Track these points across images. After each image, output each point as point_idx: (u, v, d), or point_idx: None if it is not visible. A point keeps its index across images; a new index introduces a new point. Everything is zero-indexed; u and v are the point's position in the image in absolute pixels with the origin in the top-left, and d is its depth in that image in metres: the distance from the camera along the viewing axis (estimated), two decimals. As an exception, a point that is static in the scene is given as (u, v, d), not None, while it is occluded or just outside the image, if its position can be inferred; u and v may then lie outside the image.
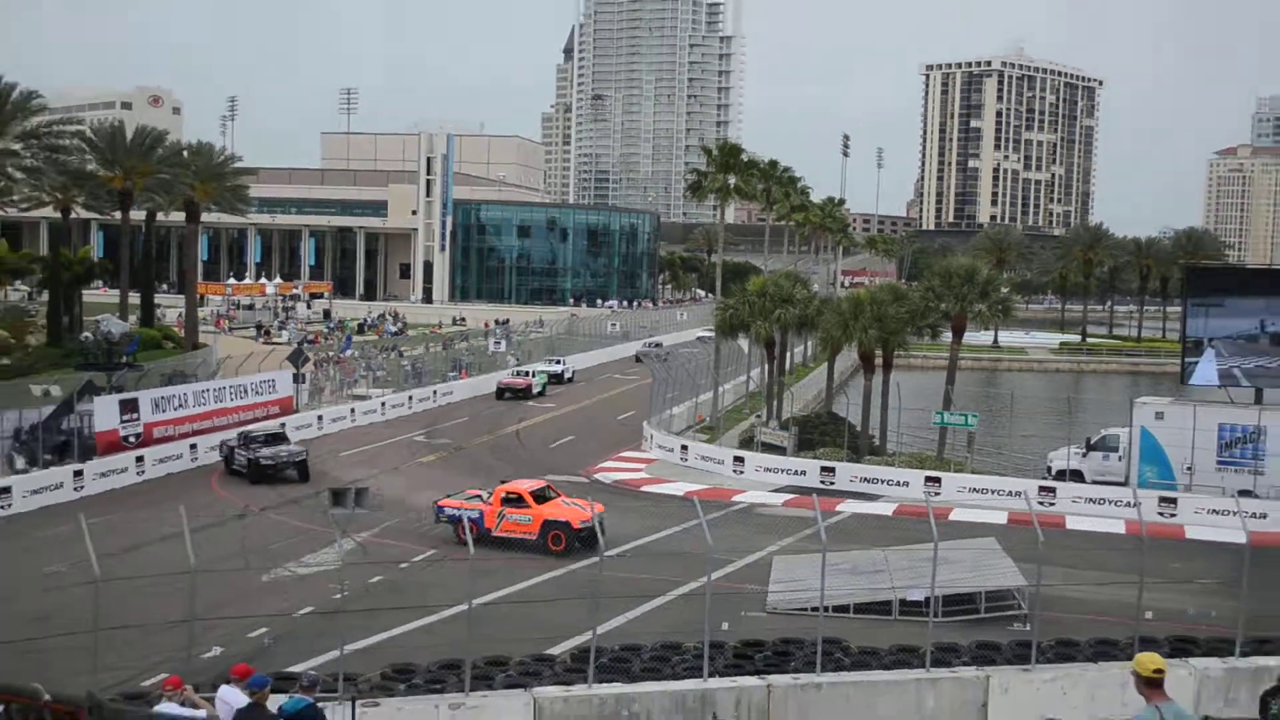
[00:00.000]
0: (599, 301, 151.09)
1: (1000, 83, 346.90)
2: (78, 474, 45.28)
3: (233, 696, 15.85)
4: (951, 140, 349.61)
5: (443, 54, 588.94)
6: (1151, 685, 9.43)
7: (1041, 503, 42.67)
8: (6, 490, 42.35)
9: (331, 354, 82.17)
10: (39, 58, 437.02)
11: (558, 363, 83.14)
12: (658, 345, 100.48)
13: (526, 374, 77.37)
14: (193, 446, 51.29)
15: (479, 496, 38.56)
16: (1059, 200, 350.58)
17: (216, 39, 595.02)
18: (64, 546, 32.22)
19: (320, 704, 17.28)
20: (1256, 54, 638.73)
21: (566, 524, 36.38)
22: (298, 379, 64.02)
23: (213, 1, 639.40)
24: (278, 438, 49.97)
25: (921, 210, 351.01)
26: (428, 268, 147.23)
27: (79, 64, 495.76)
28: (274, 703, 15.56)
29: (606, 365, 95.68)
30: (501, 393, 75.20)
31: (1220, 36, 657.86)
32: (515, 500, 37.48)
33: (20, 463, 45.83)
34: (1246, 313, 47.30)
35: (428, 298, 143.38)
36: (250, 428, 51.54)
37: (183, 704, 15.38)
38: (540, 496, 37.64)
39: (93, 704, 5.17)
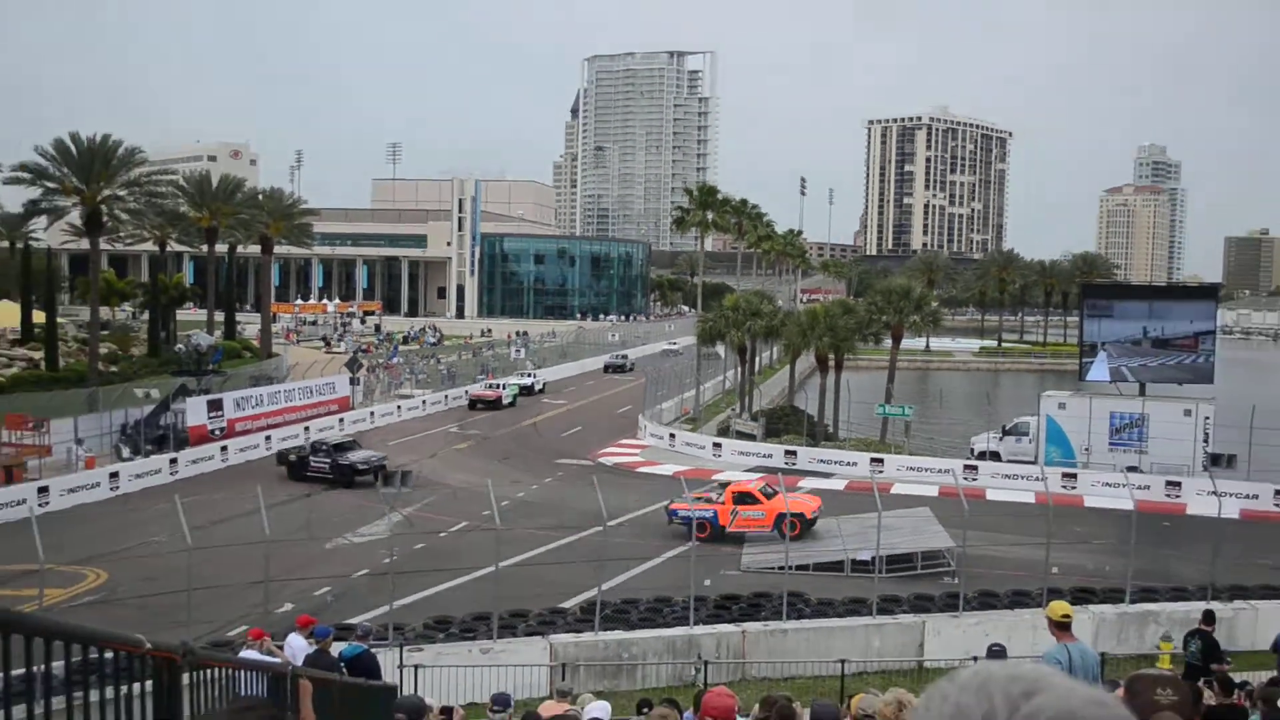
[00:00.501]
0: (601, 316, 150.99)
1: (929, 135, 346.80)
2: (173, 461, 45.37)
3: (298, 643, 15.87)
4: (890, 181, 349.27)
5: (473, 113, 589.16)
6: (1061, 628, 9.41)
7: (966, 478, 42.60)
8: (116, 474, 42.50)
9: (381, 361, 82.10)
10: (145, 118, 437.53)
11: (529, 376, 77.54)
12: (623, 357, 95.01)
13: (498, 386, 70.20)
14: (267, 438, 51.22)
15: (708, 498, 36.20)
16: (978, 230, 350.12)
17: (289, 104, 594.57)
18: (163, 520, 32.12)
19: (373, 649, 17.22)
20: (1136, 108, 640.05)
21: (801, 515, 34.29)
22: (353, 381, 63.93)
23: (285, 73, 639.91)
24: (353, 444, 46.88)
25: (866, 239, 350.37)
26: (460, 290, 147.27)
27: (178, 123, 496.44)
28: (335, 649, 15.54)
29: (602, 370, 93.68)
30: (474, 404, 67.29)
31: (1108, 94, 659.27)
32: (747, 498, 35.36)
33: (126, 452, 45.97)
34: (1131, 321, 47.38)
35: (460, 314, 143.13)
36: (319, 438, 48.93)
37: (263, 652, 15.35)
38: (767, 493, 35.27)
39: (186, 651, 5.07)
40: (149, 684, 4.65)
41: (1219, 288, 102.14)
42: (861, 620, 25.46)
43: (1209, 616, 18.54)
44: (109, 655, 4.13)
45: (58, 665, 3.64)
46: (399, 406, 64.07)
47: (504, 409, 67.27)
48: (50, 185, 56.26)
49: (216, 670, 6.26)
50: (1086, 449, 45.41)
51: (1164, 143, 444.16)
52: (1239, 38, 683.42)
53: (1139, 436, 45.34)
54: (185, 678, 5.21)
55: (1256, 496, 40.02)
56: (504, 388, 70.23)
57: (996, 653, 12.39)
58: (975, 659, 21.35)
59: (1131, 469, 41.62)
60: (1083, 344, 48.81)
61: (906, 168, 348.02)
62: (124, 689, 4.16)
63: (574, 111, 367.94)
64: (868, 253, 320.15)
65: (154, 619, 24.12)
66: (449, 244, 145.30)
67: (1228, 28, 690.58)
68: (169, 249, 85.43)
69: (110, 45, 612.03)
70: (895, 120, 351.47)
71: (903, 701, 6.48)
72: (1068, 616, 9.49)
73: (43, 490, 38.71)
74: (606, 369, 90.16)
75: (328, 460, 44.70)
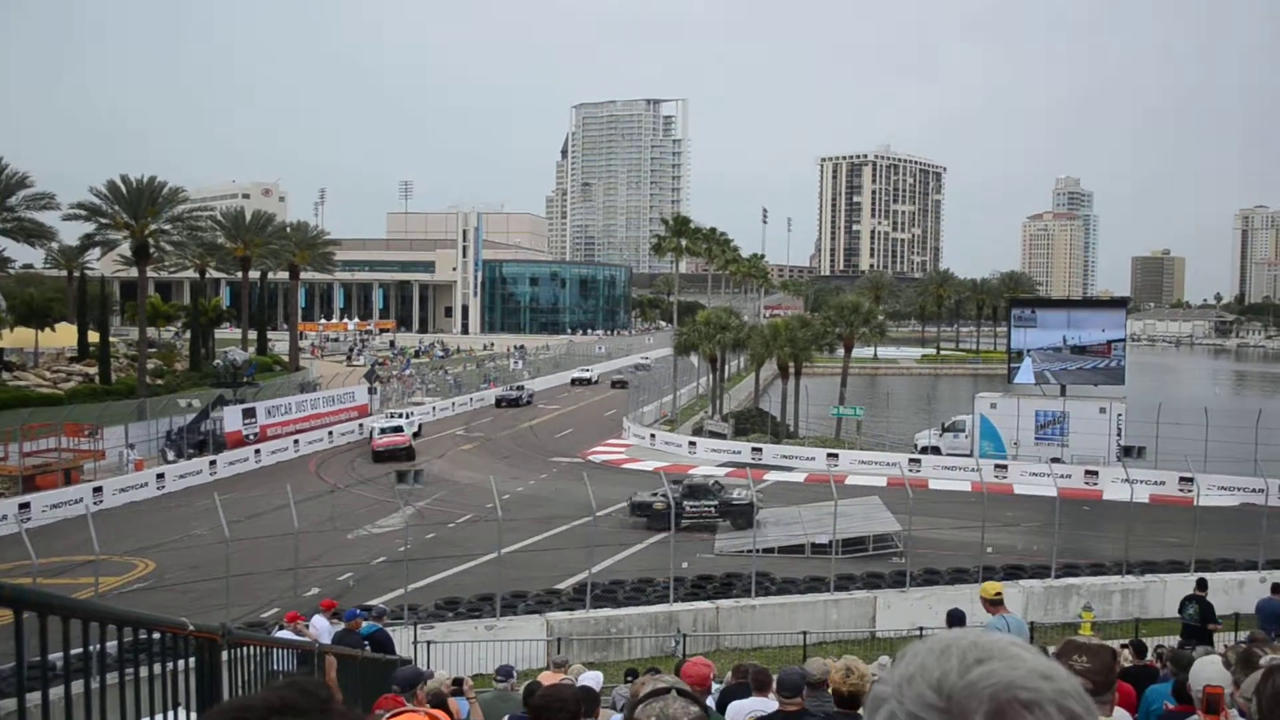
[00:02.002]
0: (589, 331, 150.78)
1: (874, 169, 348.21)
2: (212, 463, 45.15)
3: (321, 623, 15.84)
4: (840, 210, 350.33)
5: (476, 152, 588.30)
6: (994, 604, 9.48)
7: (911, 470, 42.74)
8: (162, 475, 42.32)
9: (395, 373, 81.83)
10: (183, 159, 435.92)
11: (517, 389, 74.83)
12: (587, 371, 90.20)
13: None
14: (295, 442, 51.00)
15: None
16: (918, 252, 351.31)
17: (316, 146, 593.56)
18: (204, 516, 32.00)
19: (389, 628, 17.13)
20: (1053, 143, 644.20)
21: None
22: (372, 391, 63.67)
23: (309, 119, 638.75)
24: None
25: (820, 261, 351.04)
26: (464, 309, 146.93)
27: (213, 163, 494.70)
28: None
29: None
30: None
31: (1026, 132, 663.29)
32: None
33: (171, 455, 45.75)
34: (1052, 331, 47.56)
35: (465, 330, 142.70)
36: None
37: (296, 633, 15.29)
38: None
39: (224, 632, 5.05)
40: (192, 661, 4.63)
41: (1128, 301, 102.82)
42: (821, 596, 25.47)
43: (1203, 584, 18.62)
44: (156, 636, 4.10)
45: (112, 645, 3.62)
46: (411, 413, 63.51)
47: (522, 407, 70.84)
48: (103, 221, 56.13)
49: (252, 648, 6.23)
50: (1015, 443, 45.54)
51: (1078, 175, 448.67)
52: (1143, 81, 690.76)
53: (1061, 432, 45.51)
54: (224, 655, 5.17)
55: (1163, 483, 40.20)
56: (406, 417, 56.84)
57: (957, 618, 12.39)
58: (921, 630, 21.41)
59: (1055, 460, 41.79)
60: (1010, 351, 48.96)
61: (855, 199, 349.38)
62: (170, 666, 4.13)
63: (564, 152, 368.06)
64: (822, 273, 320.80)
65: (196, 603, 23.98)
66: (455, 269, 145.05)
67: (1133, 73, 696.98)
68: (208, 276, 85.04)
69: (170, 95, 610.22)
70: (844, 157, 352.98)
71: (850, 667, 6.45)
72: (999, 594, 9.64)
73: (97, 490, 38.51)
74: (574, 383, 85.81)
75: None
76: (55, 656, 3.02)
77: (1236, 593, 26.55)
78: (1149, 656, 12.35)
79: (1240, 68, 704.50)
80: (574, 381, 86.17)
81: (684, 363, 67.59)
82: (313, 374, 75.58)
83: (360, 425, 56.25)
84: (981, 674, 1.15)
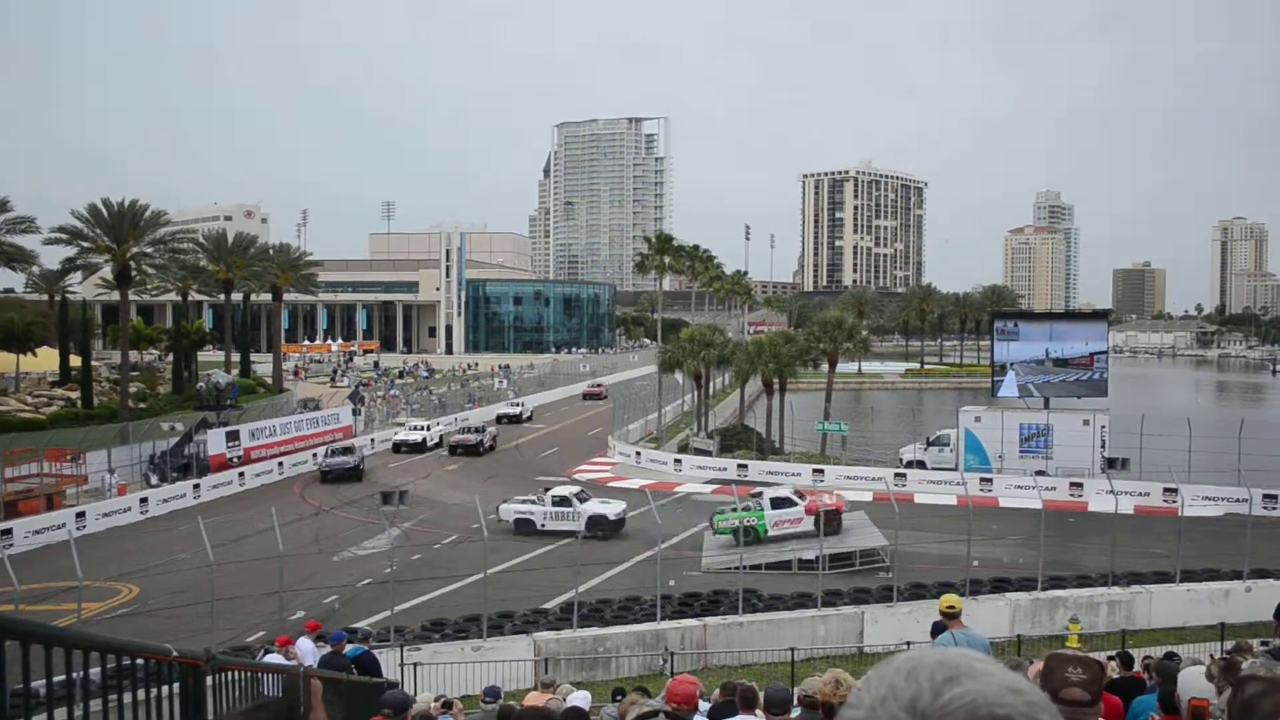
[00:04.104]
0: (573, 349, 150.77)
1: (856, 185, 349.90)
2: (196, 486, 44.86)
3: (306, 646, 15.77)
4: (823, 226, 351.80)
5: (458, 172, 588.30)
6: (950, 618, 9.49)
7: (897, 485, 42.76)
8: (145, 500, 42.07)
9: (380, 393, 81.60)
10: (164, 182, 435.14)
11: (516, 405, 75.29)
12: (519, 404, 75.64)
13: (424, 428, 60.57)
14: (280, 464, 50.73)
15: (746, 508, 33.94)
16: (900, 267, 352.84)
17: (298, 167, 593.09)
18: (187, 540, 31.81)
19: (376, 650, 17.05)
20: (1033, 157, 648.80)
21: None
22: (356, 412, 63.44)
23: (291, 141, 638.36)
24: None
25: (803, 277, 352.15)
26: (448, 329, 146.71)
27: (195, 186, 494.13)
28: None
29: (574, 397, 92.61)
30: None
31: (1007, 146, 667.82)
32: (784, 502, 33.73)
33: (154, 479, 45.45)
34: (1035, 344, 47.78)
35: (449, 350, 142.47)
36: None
37: (286, 657, 15.19)
38: (801, 497, 34.05)
39: (209, 657, 5.02)
40: (176, 687, 4.60)
41: (1109, 313, 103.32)
42: (808, 612, 25.46)
43: None
44: (140, 662, 4.08)
45: (95, 672, 3.60)
46: (396, 433, 63.19)
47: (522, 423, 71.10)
48: (85, 245, 55.97)
49: (236, 673, 6.19)
50: (1000, 456, 45.66)
51: (1059, 188, 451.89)
52: (1124, 95, 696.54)
53: (1045, 444, 45.65)
54: (208, 680, 5.15)
55: (1148, 494, 40.33)
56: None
57: (941, 631, 12.39)
58: (909, 644, 21.39)
59: (1039, 473, 41.91)
60: (994, 365, 49.14)
61: (837, 214, 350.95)
62: (154, 692, 4.11)
63: (546, 171, 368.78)
64: (805, 289, 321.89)
65: (181, 628, 23.78)
66: (438, 289, 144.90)
67: (1114, 87, 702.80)
68: (190, 298, 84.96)
69: (146, 116, 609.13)
70: (826, 173, 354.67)
71: (839, 680, 6.47)
72: (952, 608, 9.63)
73: (80, 515, 38.23)
74: (499, 420, 69.77)
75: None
76: (38, 684, 3.00)
77: (1222, 602, 26.69)
78: (1136, 667, 12.38)
79: (1218, 82, 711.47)
80: (499, 419, 70.36)
81: (668, 380, 67.56)
82: (297, 396, 75.37)
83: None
84: (954, 695, 1.16)
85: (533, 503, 37.31)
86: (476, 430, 60.14)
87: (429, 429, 60.99)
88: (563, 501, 36.70)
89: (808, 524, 32.37)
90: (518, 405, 75.55)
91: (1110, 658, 12.85)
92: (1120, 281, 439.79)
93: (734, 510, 32.86)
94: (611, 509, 36.82)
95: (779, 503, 33.50)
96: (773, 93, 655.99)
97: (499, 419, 70.72)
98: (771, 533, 32.77)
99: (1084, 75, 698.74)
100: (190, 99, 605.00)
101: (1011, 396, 47.69)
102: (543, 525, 36.14)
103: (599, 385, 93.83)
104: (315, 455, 52.57)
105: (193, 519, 28.86)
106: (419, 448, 58.26)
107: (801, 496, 34.14)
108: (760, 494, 34.75)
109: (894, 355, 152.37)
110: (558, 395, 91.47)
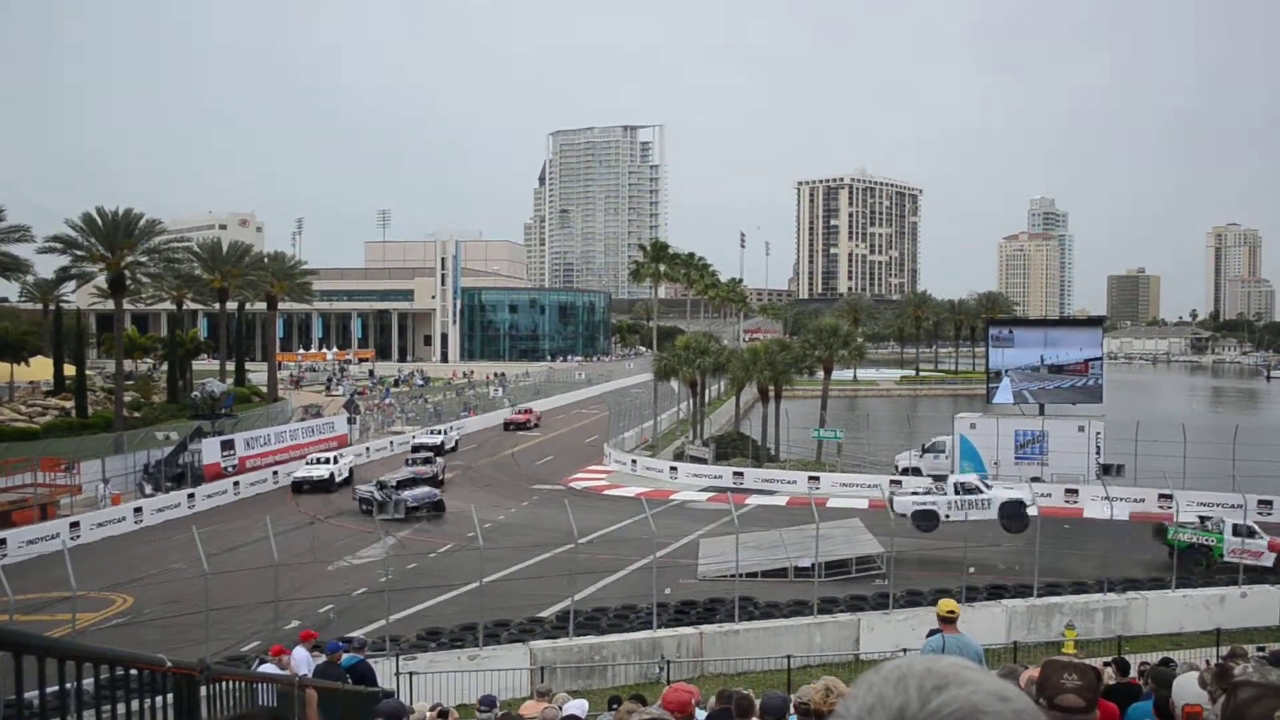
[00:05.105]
0: (569, 357, 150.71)
1: (850, 193, 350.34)
2: (191, 496, 44.78)
3: (301, 655, 15.73)
4: (818, 234, 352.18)
5: (453, 180, 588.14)
6: (946, 622, 9.51)
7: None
8: (139, 509, 41.95)
9: (375, 402, 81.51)
10: (159, 191, 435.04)
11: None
12: (439, 431, 62.86)
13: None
14: (275, 473, 50.64)
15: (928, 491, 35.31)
16: (895, 274, 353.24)
17: (293, 176, 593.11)
18: (182, 549, 31.70)
19: (371, 659, 17.01)
20: (1028, 164, 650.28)
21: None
22: (351, 421, 63.37)
23: (286, 150, 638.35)
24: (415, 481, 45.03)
25: (798, 284, 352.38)
26: (444, 337, 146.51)
27: (190, 195, 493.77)
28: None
29: (570, 405, 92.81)
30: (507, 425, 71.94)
31: (1002, 153, 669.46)
32: (969, 488, 35.04)
33: (149, 489, 45.33)
34: (1030, 350, 47.85)
35: (444, 358, 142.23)
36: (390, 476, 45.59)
37: (281, 667, 15.17)
38: (988, 484, 35.40)
39: (203, 667, 5.01)
40: (171, 697, 4.59)
41: (1104, 319, 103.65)
42: (804, 620, 25.43)
43: None
44: (134, 673, 4.07)
45: (89, 683, 3.59)
46: (391, 442, 63.05)
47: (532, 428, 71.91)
48: (79, 254, 55.86)
49: (231, 683, 6.18)
50: (995, 463, 45.64)
51: (1053, 195, 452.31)
52: (1118, 103, 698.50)
53: (1040, 450, 45.70)
54: (203, 691, 5.14)
55: (1143, 500, 40.40)
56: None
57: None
58: (905, 651, 21.39)
59: (1035, 479, 41.88)
60: (989, 371, 49.24)
61: (832, 222, 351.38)
62: (148, 702, 4.10)
63: (541, 179, 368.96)
64: (800, 296, 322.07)
65: (175, 638, 23.72)
66: (433, 297, 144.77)
67: (1109, 95, 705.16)
68: (185, 307, 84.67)
69: (142, 121, 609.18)
70: (821, 181, 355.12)
71: (830, 687, 6.48)
72: (952, 612, 9.66)
73: (74, 525, 38.13)
74: (415, 450, 57.25)
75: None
76: (31, 695, 3.00)
77: (1218, 608, 26.73)
78: (1132, 674, 12.38)
79: (1213, 89, 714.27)
80: (415, 449, 57.88)
81: (664, 388, 67.58)
82: (292, 404, 75.28)
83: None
84: (943, 702, 1.16)
85: (934, 493, 35.81)
86: (426, 460, 51.65)
87: (446, 433, 62.12)
88: (969, 489, 35.14)
89: (1268, 559, 30.63)
90: (526, 411, 75.50)
91: (1106, 664, 12.86)
92: (1115, 288, 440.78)
93: (1190, 527, 31.63)
94: (1018, 494, 34.67)
95: (1241, 530, 31.42)
96: (768, 100, 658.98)
97: (506, 425, 71.71)
98: (1227, 558, 30.80)
99: (1079, 83, 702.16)
100: (185, 108, 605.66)
101: (1006, 403, 47.74)
102: (947, 516, 34.55)
103: (526, 411, 76.87)
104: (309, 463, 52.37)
105: (187, 528, 28.80)
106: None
107: (1257, 532, 31.91)
108: (1212, 517, 32.76)
109: (889, 362, 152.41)
110: (554, 403, 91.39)
